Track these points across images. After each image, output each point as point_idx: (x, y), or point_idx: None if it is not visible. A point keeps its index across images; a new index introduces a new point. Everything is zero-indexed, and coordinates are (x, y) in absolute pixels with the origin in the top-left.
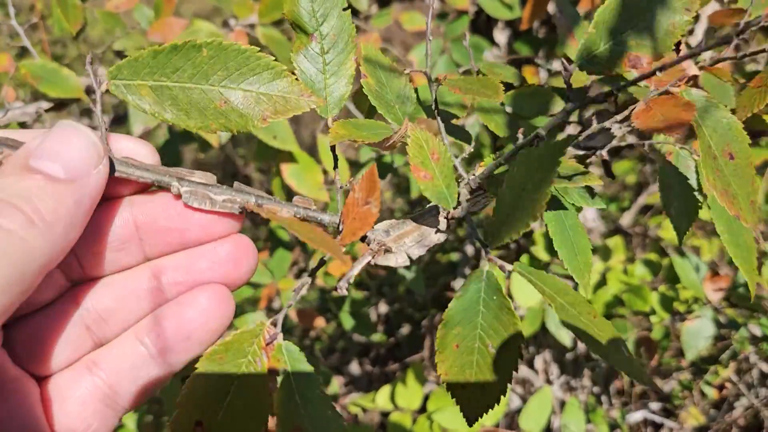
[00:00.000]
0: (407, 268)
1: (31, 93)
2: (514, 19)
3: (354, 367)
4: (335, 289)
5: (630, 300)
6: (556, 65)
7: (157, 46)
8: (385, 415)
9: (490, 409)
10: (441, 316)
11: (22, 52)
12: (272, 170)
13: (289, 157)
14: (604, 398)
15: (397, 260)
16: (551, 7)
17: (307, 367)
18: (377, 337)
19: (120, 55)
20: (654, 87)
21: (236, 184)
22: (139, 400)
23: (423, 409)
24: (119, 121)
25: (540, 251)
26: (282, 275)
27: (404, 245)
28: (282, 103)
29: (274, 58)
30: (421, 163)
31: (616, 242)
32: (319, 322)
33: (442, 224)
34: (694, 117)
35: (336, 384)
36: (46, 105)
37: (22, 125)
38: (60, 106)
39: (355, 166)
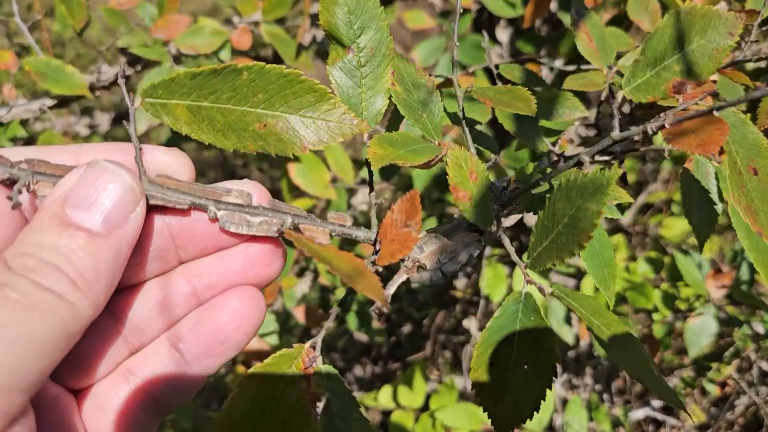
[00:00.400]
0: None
1: (31, 93)
2: (516, 18)
3: (355, 366)
4: (376, 312)
5: (633, 297)
6: (559, 63)
7: (195, 68)
8: (385, 414)
9: (522, 424)
10: (478, 334)
11: (21, 52)
12: (282, 168)
13: (294, 157)
14: (605, 396)
15: (431, 278)
16: (554, 6)
17: (346, 390)
18: (379, 336)
19: (124, 52)
20: (681, 100)
21: (271, 201)
22: (175, 404)
23: (425, 408)
24: (122, 118)
25: None
26: (284, 273)
27: (438, 262)
28: (324, 128)
29: (317, 81)
30: (460, 183)
31: (617, 240)
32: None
33: (479, 244)
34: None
35: None
36: (49, 102)
37: (25, 123)
38: (63, 103)
39: (356, 163)
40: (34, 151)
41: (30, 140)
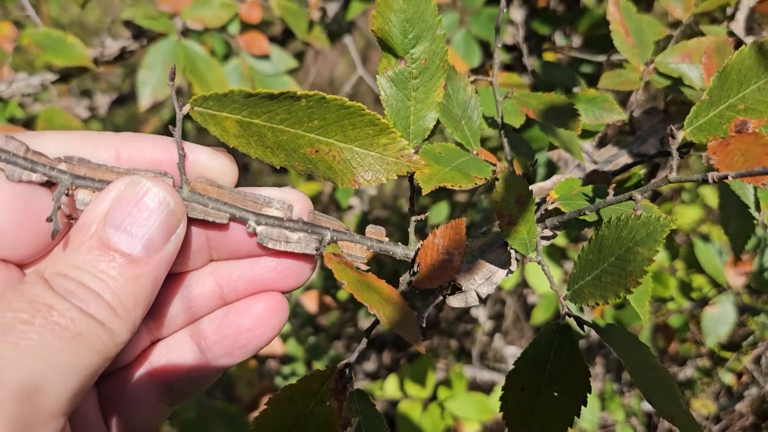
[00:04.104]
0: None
1: (28, 74)
2: None
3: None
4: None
5: None
6: (576, 42)
7: (250, 89)
8: (392, 404)
9: None
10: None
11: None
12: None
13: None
14: (616, 386)
15: (467, 300)
16: None
17: (376, 413)
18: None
19: (129, 24)
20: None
21: (310, 214)
22: (189, 395)
23: (433, 398)
24: (122, 101)
25: (559, 237)
26: None
27: (474, 283)
28: (381, 162)
29: (380, 116)
30: (507, 208)
31: None
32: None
33: (514, 265)
34: None
35: None
36: (51, 77)
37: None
38: (65, 78)
39: None
40: (73, 138)
41: (27, 122)
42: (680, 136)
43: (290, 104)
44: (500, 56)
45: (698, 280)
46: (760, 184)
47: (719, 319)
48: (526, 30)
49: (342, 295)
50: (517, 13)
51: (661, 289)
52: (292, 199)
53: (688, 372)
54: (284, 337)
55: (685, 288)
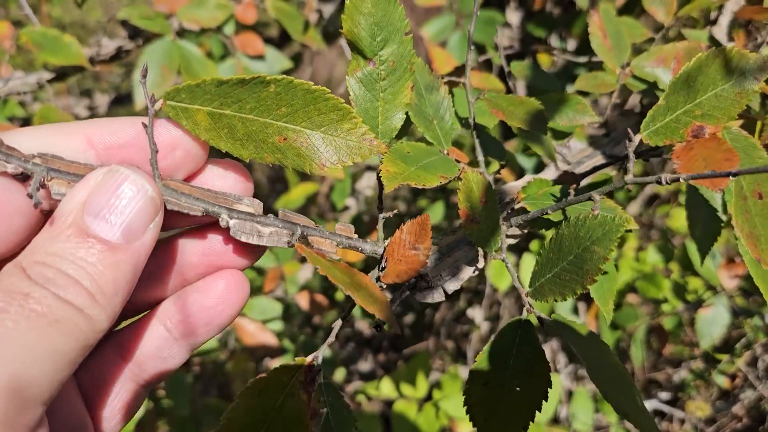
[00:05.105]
0: None
1: (25, 73)
2: None
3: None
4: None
5: (644, 287)
6: (571, 46)
7: (222, 77)
8: (387, 404)
9: None
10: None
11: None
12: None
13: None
14: None
15: (434, 296)
16: None
17: (344, 404)
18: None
19: (125, 24)
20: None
21: (281, 212)
22: (163, 377)
23: (428, 398)
24: (121, 100)
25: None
26: (287, 259)
27: (441, 279)
28: (344, 146)
29: (342, 100)
30: (470, 208)
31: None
32: (327, 310)
33: (481, 263)
34: (736, 168)
35: (339, 372)
36: (47, 75)
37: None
38: (61, 76)
39: None
40: (43, 132)
41: (27, 121)
42: (637, 138)
43: (260, 91)
44: (493, 56)
45: (694, 282)
46: (717, 189)
47: (713, 321)
48: (522, 33)
49: (339, 296)
50: (514, 16)
51: (655, 290)
52: (260, 202)
53: (682, 374)
54: (280, 336)
55: (680, 290)
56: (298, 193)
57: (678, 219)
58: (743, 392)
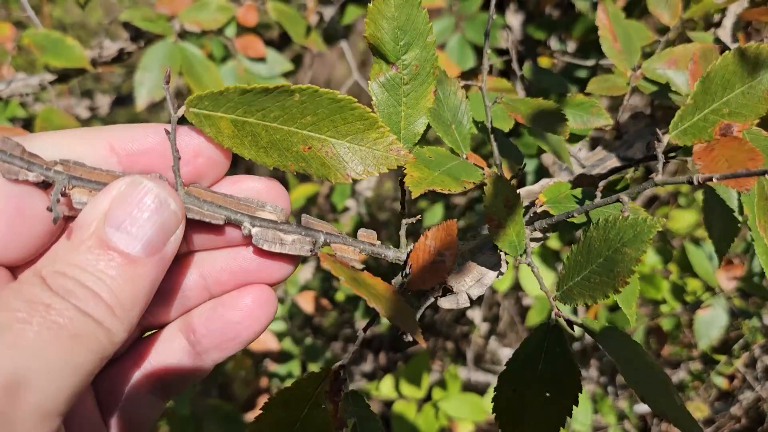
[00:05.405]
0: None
1: (27, 75)
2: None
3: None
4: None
5: (642, 288)
6: (571, 48)
7: (246, 84)
8: (387, 404)
9: None
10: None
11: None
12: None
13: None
14: (610, 389)
15: (458, 301)
16: None
17: (371, 414)
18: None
19: (127, 26)
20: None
21: (304, 218)
22: (182, 389)
23: (427, 398)
24: (122, 101)
25: (552, 240)
26: None
27: (465, 284)
28: (371, 156)
29: (369, 110)
30: (495, 212)
31: None
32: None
33: (504, 267)
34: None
35: None
36: (50, 77)
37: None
38: (63, 78)
39: None
40: (65, 138)
41: (28, 121)
42: (666, 139)
43: (284, 99)
44: (495, 61)
45: (693, 283)
46: (744, 189)
47: (711, 323)
48: (522, 35)
49: (339, 296)
50: (514, 18)
51: (654, 291)
52: (283, 208)
53: (680, 375)
54: (281, 337)
55: (678, 291)
56: (299, 194)
57: (677, 220)
58: (742, 393)
